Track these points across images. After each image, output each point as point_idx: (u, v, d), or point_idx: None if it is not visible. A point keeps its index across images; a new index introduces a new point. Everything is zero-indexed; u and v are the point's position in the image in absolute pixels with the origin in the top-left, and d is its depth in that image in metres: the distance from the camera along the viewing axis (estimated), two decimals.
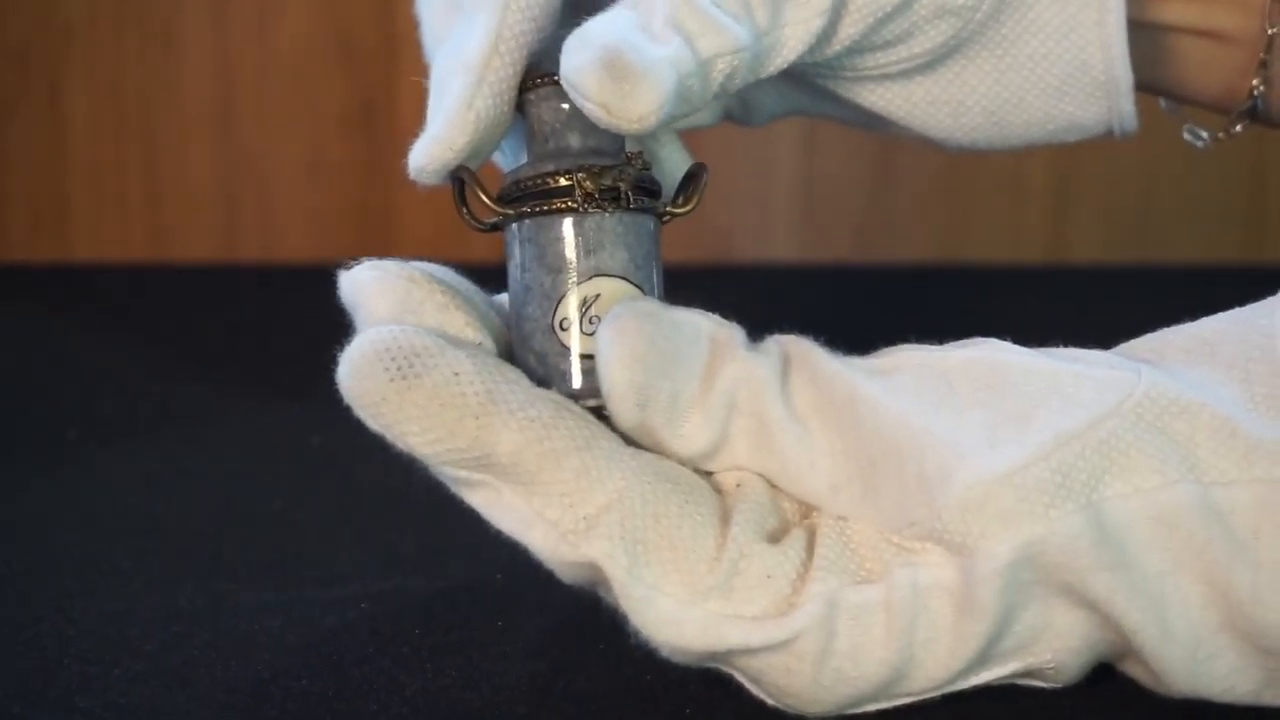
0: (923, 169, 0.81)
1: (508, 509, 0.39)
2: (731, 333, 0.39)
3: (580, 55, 0.38)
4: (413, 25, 0.76)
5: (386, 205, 0.79)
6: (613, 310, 0.38)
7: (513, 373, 0.39)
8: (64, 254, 0.79)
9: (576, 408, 0.39)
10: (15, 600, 0.45)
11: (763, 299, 0.75)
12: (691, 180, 0.42)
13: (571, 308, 0.40)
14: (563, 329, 0.40)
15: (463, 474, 0.38)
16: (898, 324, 0.72)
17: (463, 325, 0.40)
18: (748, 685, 0.39)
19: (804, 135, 0.80)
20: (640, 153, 0.41)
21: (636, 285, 0.40)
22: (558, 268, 0.40)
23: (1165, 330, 0.42)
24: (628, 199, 0.40)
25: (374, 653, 0.42)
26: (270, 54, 0.78)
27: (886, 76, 0.47)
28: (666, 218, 0.41)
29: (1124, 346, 0.42)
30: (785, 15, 0.42)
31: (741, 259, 0.82)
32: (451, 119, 0.40)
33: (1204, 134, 0.52)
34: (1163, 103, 0.52)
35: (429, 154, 0.41)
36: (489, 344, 0.40)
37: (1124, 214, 0.82)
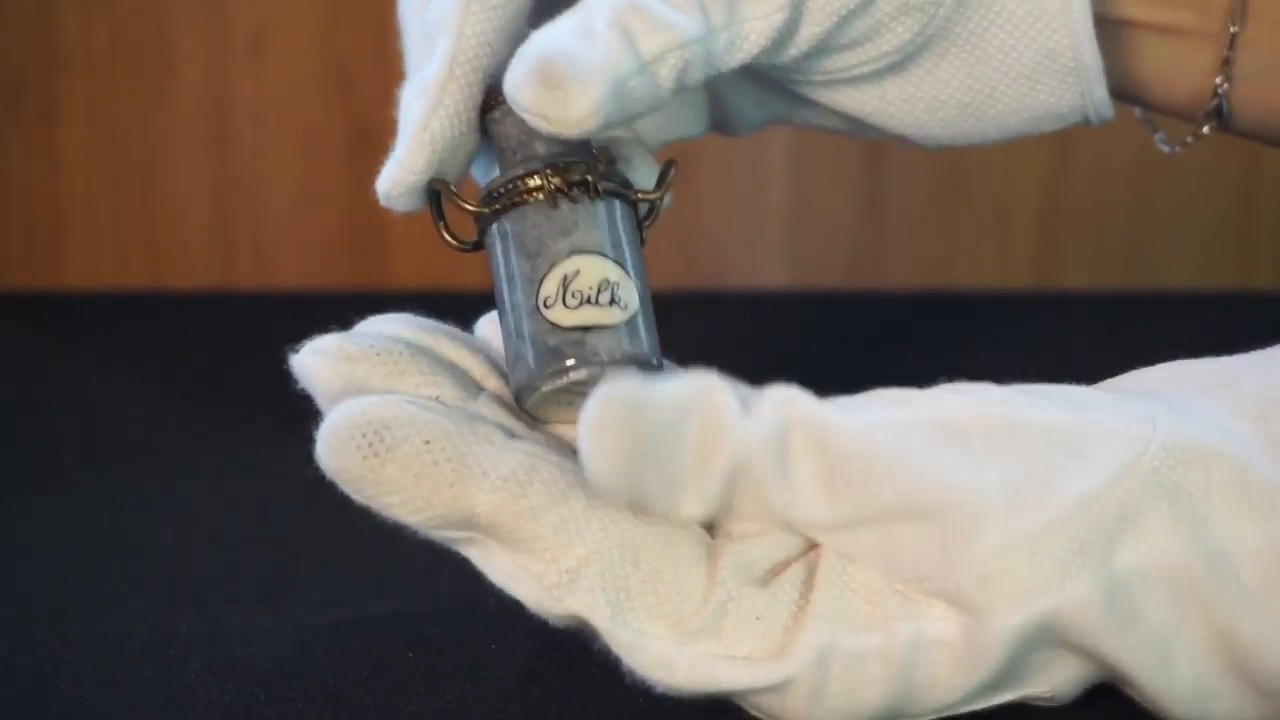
0: (912, 197, 0.82)
1: (496, 564, 0.39)
2: (721, 404, 0.37)
3: (516, 68, 0.40)
4: None
5: (382, 232, 0.79)
6: (593, 397, 0.36)
7: (484, 427, 0.39)
8: (58, 281, 0.79)
9: (553, 456, 0.39)
10: (12, 624, 0.46)
11: (754, 326, 0.75)
12: (662, 174, 0.43)
13: (552, 286, 0.41)
14: (546, 307, 0.41)
15: (449, 534, 0.39)
16: (888, 351, 0.72)
17: (414, 387, 0.40)
18: (748, 709, 0.39)
19: (793, 164, 0.81)
20: (605, 148, 0.43)
21: (615, 261, 0.41)
22: (536, 251, 0.41)
23: (1184, 361, 0.42)
24: (596, 189, 0.41)
25: (369, 676, 0.43)
26: (265, 81, 0.78)
27: (859, 78, 0.47)
28: (639, 203, 0.43)
29: (1139, 374, 0.42)
30: (744, 10, 0.43)
31: (733, 286, 0.82)
32: (409, 142, 0.42)
33: (1175, 140, 0.53)
34: (1138, 112, 0.52)
35: (391, 178, 0.42)
36: (446, 392, 0.40)
37: (1113, 241, 0.83)
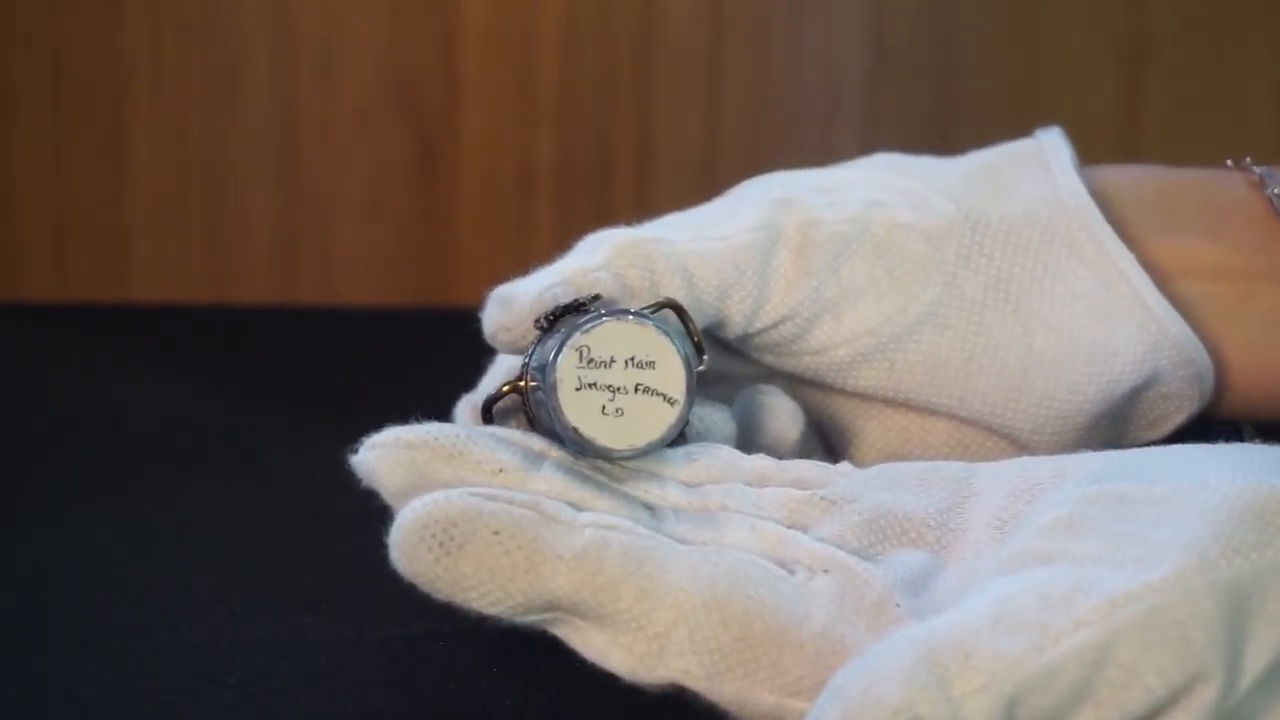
0: None
1: (587, 640, 0.40)
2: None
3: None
4: (474, 72, 0.78)
5: (445, 250, 0.79)
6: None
7: (550, 506, 0.39)
8: (124, 294, 0.79)
9: (624, 523, 0.40)
10: (97, 632, 0.46)
11: None
12: (658, 305, 0.45)
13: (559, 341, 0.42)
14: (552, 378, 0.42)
15: (534, 618, 0.40)
16: None
17: (475, 465, 0.41)
18: None
19: None
20: (598, 295, 0.44)
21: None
22: (545, 361, 0.42)
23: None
24: (586, 307, 0.43)
25: (455, 689, 0.43)
26: (332, 98, 0.78)
27: (907, 333, 0.49)
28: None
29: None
30: (719, 230, 0.48)
31: None
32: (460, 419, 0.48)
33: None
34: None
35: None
36: (509, 465, 0.41)
37: None
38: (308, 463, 0.60)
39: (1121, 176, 0.51)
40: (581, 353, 0.41)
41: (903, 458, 0.50)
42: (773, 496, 0.42)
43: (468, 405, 0.48)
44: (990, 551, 0.39)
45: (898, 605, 0.39)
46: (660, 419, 0.42)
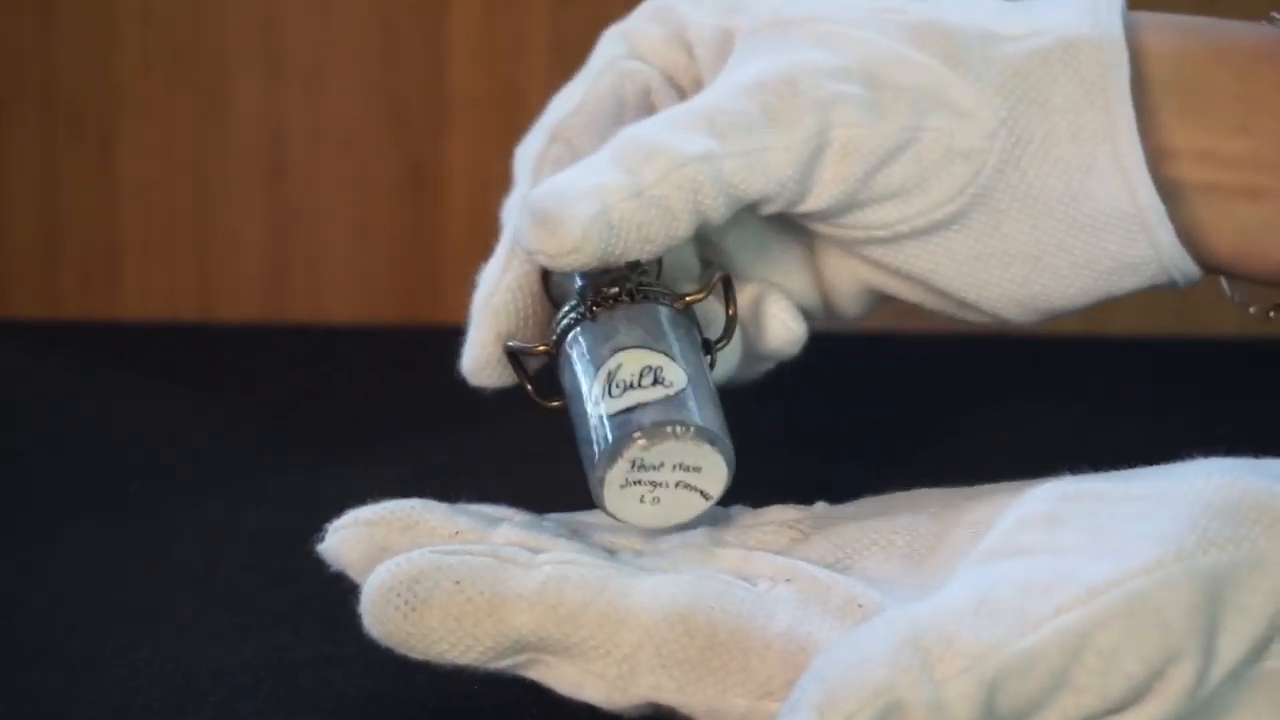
0: None
1: (559, 676, 0.40)
2: None
3: (517, 218, 0.43)
4: (463, 91, 0.78)
5: (434, 269, 0.79)
6: None
7: (507, 551, 0.41)
8: (113, 312, 0.80)
9: (583, 558, 0.41)
10: (83, 649, 0.46)
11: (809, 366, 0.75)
12: (707, 271, 0.46)
13: (600, 384, 0.42)
14: (596, 404, 0.42)
15: (507, 663, 0.40)
16: (937, 393, 0.72)
17: (431, 530, 0.42)
18: None
19: None
20: (638, 263, 0.44)
21: (659, 351, 0.43)
22: (587, 363, 0.43)
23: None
24: (631, 295, 0.44)
25: (435, 708, 0.43)
26: (321, 116, 0.79)
27: (920, 232, 0.48)
28: (681, 305, 0.45)
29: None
30: (764, 138, 0.45)
31: None
32: (475, 320, 0.47)
33: (1252, 308, 0.53)
34: (1225, 288, 0.53)
35: (469, 357, 0.46)
36: (464, 527, 0.42)
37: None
38: (295, 479, 0.60)
39: (1164, 46, 0.49)
40: (634, 462, 0.42)
41: (877, 289, 0.51)
42: (738, 533, 0.43)
43: (486, 310, 0.47)
44: (966, 551, 0.40)
45: (860, 606, 0.39)
46: (691, 508, 0.43)
